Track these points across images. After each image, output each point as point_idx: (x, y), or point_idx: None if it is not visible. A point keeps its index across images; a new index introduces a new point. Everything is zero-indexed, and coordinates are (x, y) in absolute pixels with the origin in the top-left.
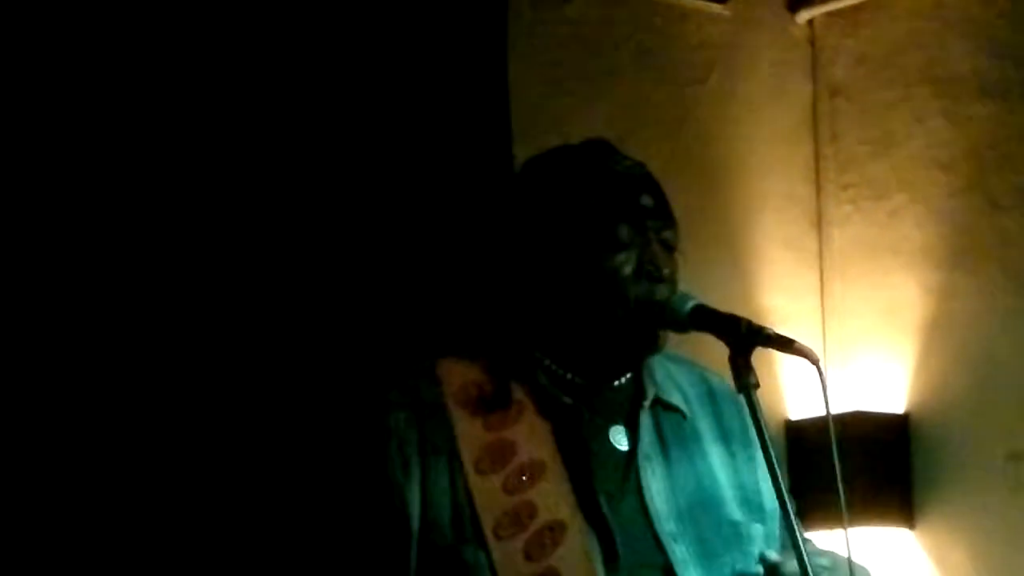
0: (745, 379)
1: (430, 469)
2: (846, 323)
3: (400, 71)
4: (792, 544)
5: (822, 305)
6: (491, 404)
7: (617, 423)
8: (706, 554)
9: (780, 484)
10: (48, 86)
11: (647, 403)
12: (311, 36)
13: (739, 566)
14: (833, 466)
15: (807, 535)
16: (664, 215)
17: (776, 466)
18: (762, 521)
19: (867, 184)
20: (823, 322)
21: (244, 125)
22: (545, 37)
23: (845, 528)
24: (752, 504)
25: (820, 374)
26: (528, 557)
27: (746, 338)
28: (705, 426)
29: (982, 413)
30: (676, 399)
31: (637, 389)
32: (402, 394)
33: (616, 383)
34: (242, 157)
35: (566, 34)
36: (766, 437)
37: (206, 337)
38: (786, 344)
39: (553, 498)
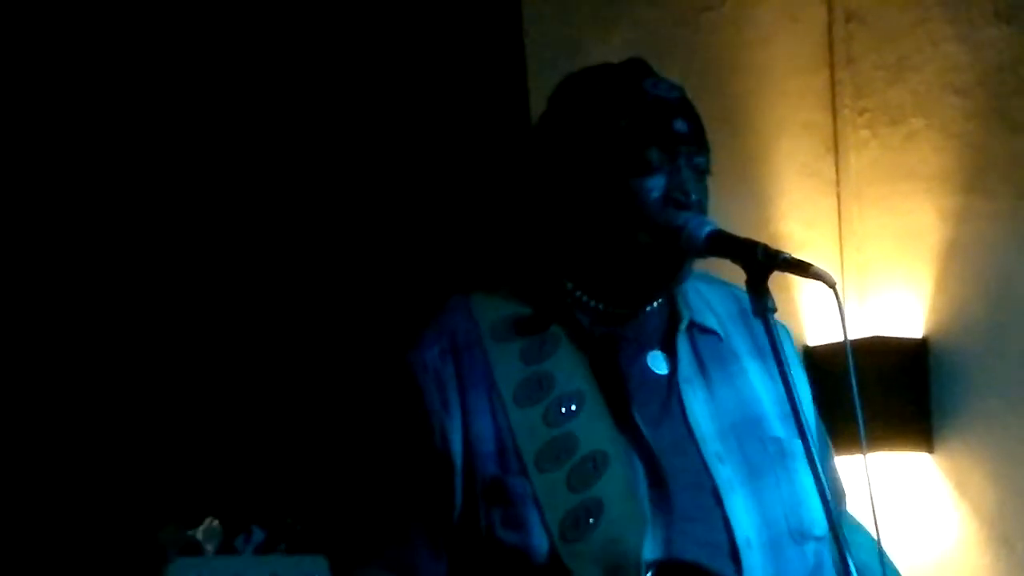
0: (762, 304)
1: (470, 402)
2: (863, 248)
3: (412, 4)
4: (812, 470)
5: (839, 231)
6: (525, 336)
7: (654, 348)
8: (752, 473)
9: (799, 410)
10: (50, 87)
11: (683, 327)
12: None
13: (784, 485)
14: (852, 392)
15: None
16: (697, 140)
17: (795, 391)
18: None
19: (883, 109)
20: (840, 248)
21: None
22: None
23: (864, 454)
24: (792, 419)
25: (837, 298)
26: (571, 488)
27: (763, 262)
28: (741, 345)
29: (1001, 336)
30: (711, 321)
31: (672, 313)
32: (436, 330)
33: (648, 308)
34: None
35: None
36: (784, 361)
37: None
38: (803, 268)
39: (594, 429)
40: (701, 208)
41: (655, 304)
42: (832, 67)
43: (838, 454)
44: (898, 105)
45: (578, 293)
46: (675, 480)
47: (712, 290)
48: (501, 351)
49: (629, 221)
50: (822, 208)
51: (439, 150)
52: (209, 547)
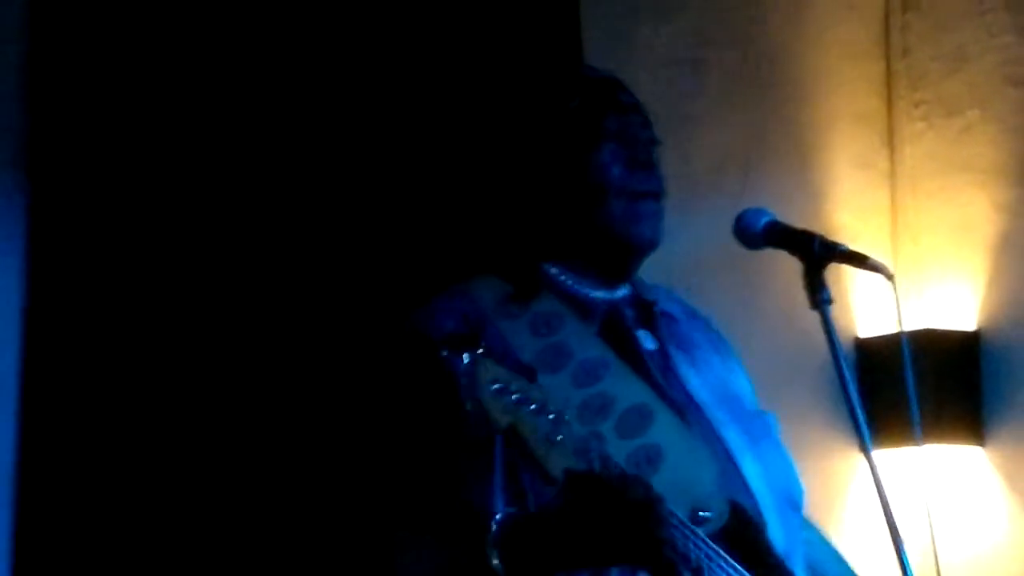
0: (819, 295)
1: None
2: (917, 241)
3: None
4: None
5: (893, 223)
6: (528, 310)
7: (639, 327)
8: (752, 441)
9: (854, 401)
10: (53, 86)
11: (658, 309)
12: None
13: (776, 456)
14: (904, 384)
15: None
16: (643, 112)
17: (850, 384)
18: None
19: (939, 100)
20: (894, 240)
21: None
22: None
23: (919, 445)
24: (749, 402)
25: (894, 290)
26: (622, 437)
27: (820, 254)
28: (695, 334)
29: None
30: (671, 307)
31: (639, 299)
32: (444, 309)
33: (622, 294)
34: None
35: None
36: (839, 353)
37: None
38: (860, 260)
39: (626, 387)
40: (660, 174)
41: (625, 291)
42: (888, 57)
43: (890, 446)
44: (954, 97)
45: (562, 278)
46: (701, 436)
47: (654, 288)
48: (512, 326)
49: (600, 191)
50: (876, 200)
51: (492, 141)
52: None
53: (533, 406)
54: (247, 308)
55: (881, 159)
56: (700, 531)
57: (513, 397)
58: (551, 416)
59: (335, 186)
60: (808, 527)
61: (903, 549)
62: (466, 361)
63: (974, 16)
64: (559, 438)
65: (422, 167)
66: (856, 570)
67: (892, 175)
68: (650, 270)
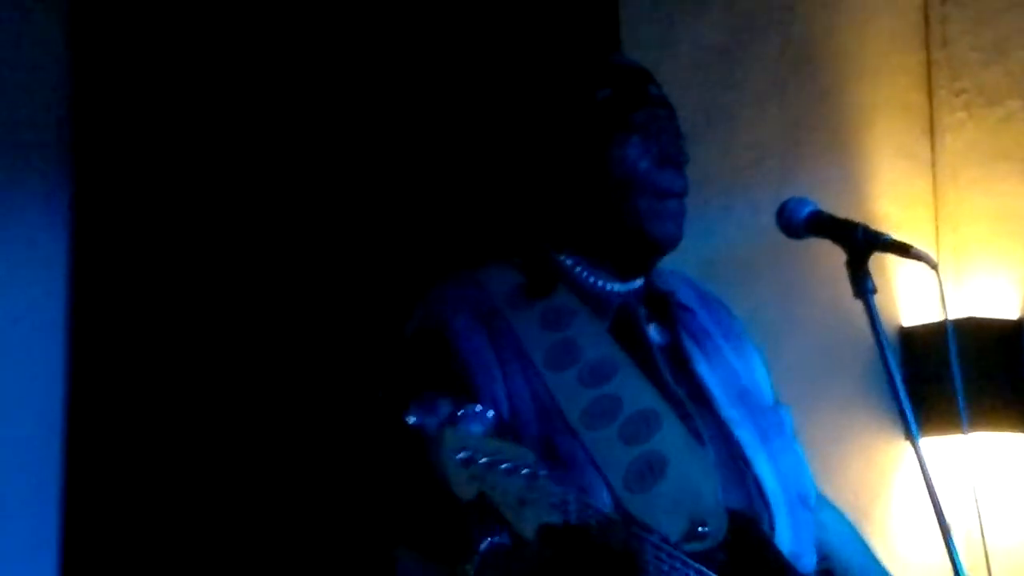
0: (863, 285)
1: (505, 365)
2: (959, 230)
3: None
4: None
5: (935, 212)
6: (539, 303)
7: (651, 321)
8: (763, 438)
9: (900, 390)
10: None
11: (675, 300)
12: None
13: (788, 452)
14: (949, 372)
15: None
16: (670, 105)
17: (895, 373)
18: None
19: (980, 90)
20: (936, 229)
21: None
22: None
23: (965, 434)
24: (764, 395)
25: (938, 279)
26: (626, 442)
27: (863, 244)
28: (710, 324)
29: None
30: (686, 298)
31: (652, 291)
32: (455, 302)
33: (636, 286)
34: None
35: None
36: (884, 342)
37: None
38: (904, 249)
39: (634, 390)
40: (685, 174)
41: (638, 283)
42: (928, 48)
43: (935, 434)
44: (994, 86)
45: (578, 269)
46: (710, 438)
47: (671, 277)
48: (522, 319)
49: (628, 186)
50: (918, 189)
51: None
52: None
53: (505, 465)
54: (286, 304)
55: (922, 148)
56: (695, 563)
57: (482, 462)
58: (525, 472)
59: (365, 173)
60: (826, 507)
61: (951, 536)
62: (432, 429)
63: (1013, 6)
64: (534, 496)
65: (446, 155)
66: (873, 550)
67: (933, 164)
68: (692, 262)
